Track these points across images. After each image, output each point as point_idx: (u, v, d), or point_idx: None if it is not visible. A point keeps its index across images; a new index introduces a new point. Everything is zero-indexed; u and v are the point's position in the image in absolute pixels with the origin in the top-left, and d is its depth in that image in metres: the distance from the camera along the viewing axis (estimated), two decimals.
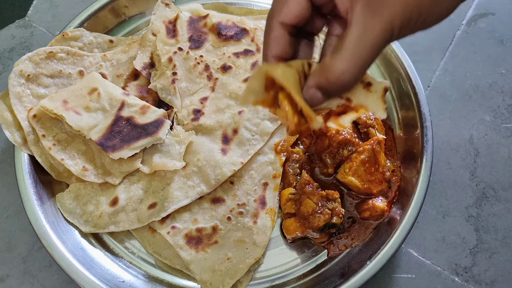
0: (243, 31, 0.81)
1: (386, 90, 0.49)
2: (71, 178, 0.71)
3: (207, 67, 0.78)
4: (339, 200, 0.66)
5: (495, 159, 0.79)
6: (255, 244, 0.67)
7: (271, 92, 0.48)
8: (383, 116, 0.49)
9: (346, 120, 0.51)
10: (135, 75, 0.79)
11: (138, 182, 0.70)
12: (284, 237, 0.70)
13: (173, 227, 0.68)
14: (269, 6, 0.85)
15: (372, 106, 0.49)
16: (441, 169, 0.79)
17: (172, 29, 0.80)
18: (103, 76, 0.76)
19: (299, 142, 0.75)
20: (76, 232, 0.68)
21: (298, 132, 0.49)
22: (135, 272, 0.67)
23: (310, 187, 0.67)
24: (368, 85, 0.48)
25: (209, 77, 0.77)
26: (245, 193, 0.71)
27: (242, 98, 0.49)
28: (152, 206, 0.68)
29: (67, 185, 0.71)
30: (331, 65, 0.44)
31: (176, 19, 0.81)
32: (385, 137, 0.73)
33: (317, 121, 0.47)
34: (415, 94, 0.74)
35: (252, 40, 0.81)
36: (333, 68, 0.44)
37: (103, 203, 0.69)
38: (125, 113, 0.71)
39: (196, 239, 0.67)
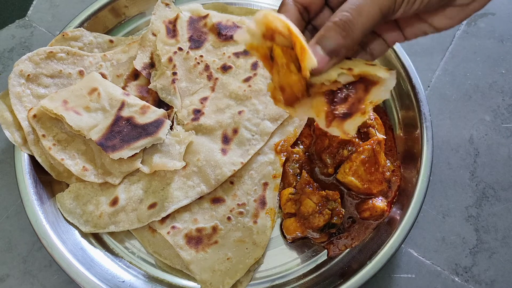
0: None
1: (391, 69, 0.49)
2: (71, 178, 0.71)
3: (207, 67, 0.78)
4: (339, 200, 0.66)
5: (495, 159, 0.79)
6: (255, 244, 0.67)
7: (267, 43, 0.48)
8: (385, 75, 0.48)
9: (351, 127, 0.49)
10: (135, 75, 0.79)
11: (138, 182, 0.70)
12: (284, 237, 0.70)
13: (173, 227, 0.68)
14: (269, 6, 0.87)
15: (373, 71, 0.48)
16: (441, 169, 0.79)
17: (172, 29, 0.80)
18: (103, 76, 0.76)
19: (299, 142, 0.75)
20: (76, 232, 0.68)
21: (287, 86, 0.48)
22: (135, 272, 0.67)
23: (310, 187, 0.67)
24: (372, 65, 0.49)
25: (209, 77, 0.77)
26: (245, 193, 0.71)
27: (238, 33, 0.48)
28: (152, 206, 0.68)
29: (67, 185, 0.71)
30: (332, 16, 0.47)
31: (176, 19, 0.81)
32: (385, 137, 0.73)
33: (312, 58, 0.45)
34: (415, 94, 0.74)
35: None
36: (335, 15, 0.47)
37: (103, 203, 0.69)
38: (125, 113, 0.71)
39: (196, 239, 0.67)
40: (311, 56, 0.45)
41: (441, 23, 0.53)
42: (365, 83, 0.49)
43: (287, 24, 0.46)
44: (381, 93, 0.49)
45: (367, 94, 0.49)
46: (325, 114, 0.50)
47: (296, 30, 0.45)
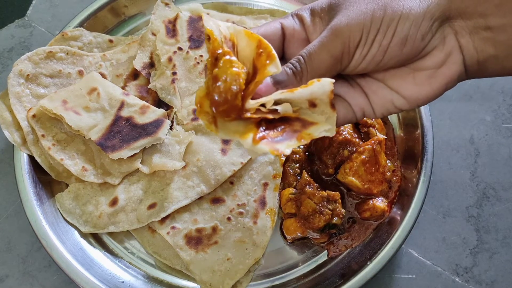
0: None
1: (332, 104, 0.44)
2: (71, 178, 0.71)
3: (207, 67, 0.78)
4: (339, 200, 0.66)
5: (495, 159, 0.79)
6: (255, 244, 0.67)
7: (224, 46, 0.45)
8: (323, 125, 0.44)
9: (283, 147, 0.42)
10: (134, 75, 0.79)
11: (137, 182, 0.70)
12: (284, 237, 0.69)
13: (172, 228, 0.67)
14: (269, 6, 0.87)
15: (311, 118, 0.44)
16: (442, 169, 0.78)
17: (171, 29, 0.80)
18: (103, 76, 0.76)
19: None
20: (76, 233, 0.68)
21: (221, 101, 0.41)
22: (134, 273, 0.67)
23: (311, 187, 0.67)
24: (313, 105, 0.45)
25: None
26: (245, 193, 0.71)
27: (210, 20, 0.45)
28: (152, 206, 0.68)
29: (67, 185, 0.71)
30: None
31: (176, 18, 0.80)
32: (385, 137, 0.72)
33: (278, 65, 0.42)
34: None
35: None
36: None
37: (103, 203, 0.68)
38: (125, 113, 0.71)
39: (196, 240, 0.67)
40: (278, 64, 0.42)
41: (411, 92, 0.48)
42: (303, 121, 0.45)
43: (258, 36, 0.44)
44: (321, 133, 0.44)
45: (305, 129, 0.44)
46: (253, 136, 0.42)
47: (267, 42, 0.44)
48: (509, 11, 0.42)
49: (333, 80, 0.43)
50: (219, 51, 0.43)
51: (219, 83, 0.42)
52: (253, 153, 0.43)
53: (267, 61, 0.42)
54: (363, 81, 0.50)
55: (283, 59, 0.52)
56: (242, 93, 0.42)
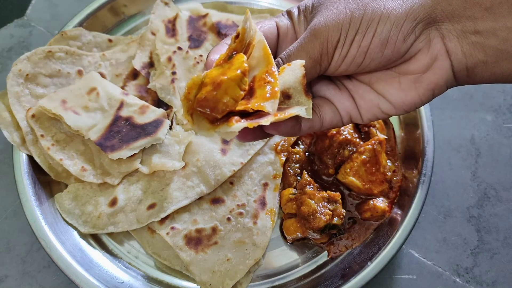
0: None
1: (306, 91, 0.43)
2: (70, 178, 0.71)
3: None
4: (340, 200, 0.66)
5: (496, 159, 0.79)
6: (255, 245, 0.67)
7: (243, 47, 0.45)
8: (297, 109, 0.43)
9: (261, 121, 0.41)
10: (134, 74, 0.78)
11: (137, 182, 0.70)
12: (284, 237, 0.69)
13: (172, 228, 0.67)
14: (269, 6, 0.87)
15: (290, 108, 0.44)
16: (442, 169, 0.78)
17: (171, 28, 0.79)
18: (102, 75, 0.76)
19: (299, 142, 0.75)
20: (75, 233, 0.68)
21: (212, 99, 0.41)
22: (134, 273, 0.67)
23: (311, 187, 0.66)
24: (287, 97, 0.44)
25: None
26: (245, 193, 0.70)
27: (251, 18, 0.45)
28: (151, 206, 0.67)
29: (66, 186, 0.71)
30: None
31: (175, 18, 0.80)
32: (386, 137, 0.72)
33: (275, 103, 0.41)
34: None
35: None
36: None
37: (102, 203, 0.68)
38: (124, 113, 0.71)
39: (195, 240, 0.67)
40: (276, 103, 0.41)
41: (397, 97, 0.47)
42: (278, 109, 0.44)
43: (272, 61, 0.43)
44: (297, 112, 0.43)
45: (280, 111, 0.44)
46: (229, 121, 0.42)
47: (276, 74, 0.43)
48: (500, 15, 0.41)
49: (303, 62, 0.42)
50: (242, 57, 0.43)
51: (215, 92, 0.41)
52: (229, 134, 0.42)
53: (268, 95, 0.41)
54: (350, 84, 0.50)
55: (274, 58, 0.52)
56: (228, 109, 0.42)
